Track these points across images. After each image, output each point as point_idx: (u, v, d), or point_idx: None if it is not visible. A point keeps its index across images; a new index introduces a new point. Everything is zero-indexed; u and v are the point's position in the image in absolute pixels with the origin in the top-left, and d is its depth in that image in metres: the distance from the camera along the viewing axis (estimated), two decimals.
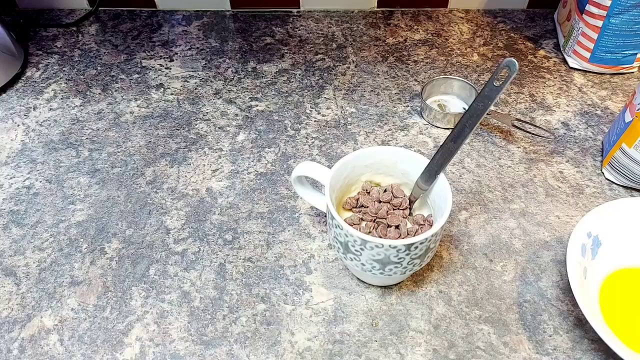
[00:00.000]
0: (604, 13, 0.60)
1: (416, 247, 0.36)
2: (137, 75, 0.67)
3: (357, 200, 0.43)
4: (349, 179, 0.43)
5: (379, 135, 0.58)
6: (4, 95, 0.64)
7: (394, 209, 0.43)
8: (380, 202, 0.43)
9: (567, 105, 0.62)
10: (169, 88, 0.65)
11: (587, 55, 0.65)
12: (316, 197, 0.46)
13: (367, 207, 0.42)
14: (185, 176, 0.54)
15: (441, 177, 0.40)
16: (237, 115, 0.61)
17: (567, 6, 0.70)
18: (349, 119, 0.61)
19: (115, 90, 0.65)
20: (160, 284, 0.45)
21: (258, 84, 0.66)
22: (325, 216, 0.50)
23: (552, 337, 0.41)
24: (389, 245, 0.35)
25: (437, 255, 0.47)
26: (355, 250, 0.38)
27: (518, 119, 0.58)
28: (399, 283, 0.45)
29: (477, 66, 0.68)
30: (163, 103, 0.63)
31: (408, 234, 0.41)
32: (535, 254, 0.47)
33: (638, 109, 0.48)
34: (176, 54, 0.71)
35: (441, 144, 0.39)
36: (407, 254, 0.37)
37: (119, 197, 0.52)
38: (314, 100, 0.63)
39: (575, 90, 0.64)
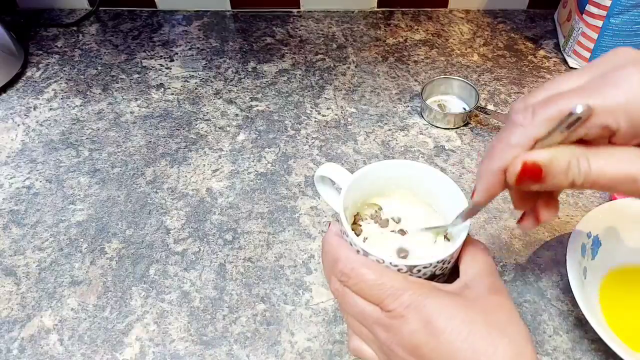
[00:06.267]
0: (604, 13, 0.60)
1: (419, 270, 0.33)
2: (137, 75, 0.67)
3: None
4: (370, 190, 0.40)
5: (379, 136, 0.58)
6: (4, 95, 0.64)
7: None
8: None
9: None
10: (169, 88, 0.65)
11: (587, 55, 0.65)
12: (334, 197, 0.43)
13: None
14: (185, 176, 0.54)
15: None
16: (237, 115, 0.61)
17: (567, 6, 0.70)
18: (349, 119, 0.61)
19: (116, 90, 0.65)
20: (160, 284, 0.45)
21: (258, 84, 0.66)
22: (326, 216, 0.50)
23: (552, 337, 0.41)
24: (390, 263, 0.33)
25: None
26: None
27: None
28: None
29: (478, 66, 0.68)
30: (163, 103, 0.63)
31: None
32: (535, 254, 0.47)
33: None
34: (176, 54, 0.71)
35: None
36: (410, 275, 0.33)
37: (119, 197, 0.52)
38: (314, 101, 0.63)
39: None
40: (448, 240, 0.37)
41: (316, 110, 0.62)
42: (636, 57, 0.26)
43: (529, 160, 0.26)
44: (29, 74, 0.68)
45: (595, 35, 0.62)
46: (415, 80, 0.66)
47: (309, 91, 0.65)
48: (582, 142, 0.26)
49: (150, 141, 0.58)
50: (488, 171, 0.28)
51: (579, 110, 0.24)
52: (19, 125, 0.61)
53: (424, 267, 0.33)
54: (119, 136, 0.59)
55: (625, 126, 0.25)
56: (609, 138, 0.26)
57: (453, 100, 0.63)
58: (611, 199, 0.51)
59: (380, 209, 0.39)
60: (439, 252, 0.35)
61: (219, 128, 0.60)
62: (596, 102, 0.25)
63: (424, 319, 0.28)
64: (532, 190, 0.28)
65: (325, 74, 0.67)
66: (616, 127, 0.25)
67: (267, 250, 0.48)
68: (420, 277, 0.33)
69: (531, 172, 0.26)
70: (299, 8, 0.78)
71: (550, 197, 0.31)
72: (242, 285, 0.45)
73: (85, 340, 0.42)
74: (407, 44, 0.72)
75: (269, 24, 0.76)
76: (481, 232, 0.49)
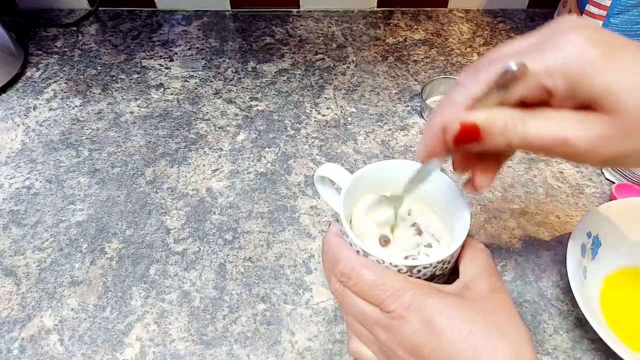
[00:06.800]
0: (604, 13, 0.60)
1: (419, 271, 0.33)
2: (137, 75, 0.67)
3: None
4: (369, 190, 0.40)
5: (378, 135, 0.58)
6: (4, 95, 0.64)
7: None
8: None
9: None
10: (169, 88, 0.65)
11: None
12: (334, 198, 0.43)
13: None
14: (185, 176, 0.54)
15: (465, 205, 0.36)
16: (237, 115, 0.61)
17: (567, 6, 0.69)
18: (349, 119, 0.61)
19: (115, 90, 0.65)
20: (160, 284, 0.45)
21: (258, 84, 0.66)
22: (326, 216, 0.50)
23: (552, 337, 0.41)
24: (390, 263, 0.33)
25: None
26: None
27: None
28: None
29: None
30: (163, 103, 0.63)
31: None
32: (535, 254, 0.47)
33: None
34: (176, 53, 0.71)
35: None
36: (410, 275, 0.33)
37: (119, 197, 0.52)
38: (314, 100, 0.63)
39: None
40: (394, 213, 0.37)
41: (316, 110, 0.62)
42: (577, 23, 0.26)
43: (466, 120, 0.26)
44: (28, 74, 0.68)
45: None
46: (415, 80, 0.66)
47: (308, 91, 0.65)
48: (523, 106, 0.27)
49: (150, 141, 0.58)
50: (429, 130, 0.29)
51: (513, 67, 0.25)
52: (18, 125, 0.60)
53: (424, 268, 0.33)
54: (118, 136, 0.59)
55: (562, 87, 0.25)
56: (547, 101, 0.26)
57: None
58: (611, 199, 0.51)
59: None
60: (440, 252, 0.35)
61: (219, 128, 0.60)
62: (534, 62, 0.25)
63: (424, 319, 0.28)
64: (472, 153, 0.29)
65: (325, 74, 0.67)
66: (553, 87, 0.25)
67: (267, 250, 0.48)
68: (420, 277, 0.33)
69: (469, 132, 0.26)
70: (299, 8, 0.78)
71: (488, 164, 0.31)
72: (242, 285, 0.45)
73: (86, 340, 0.42)
74: (406, 43, 0.72)
75: (268, 24, 0.76)
76: (481, 232, 0.49)
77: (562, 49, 0.25)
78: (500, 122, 0.26)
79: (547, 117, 0.26)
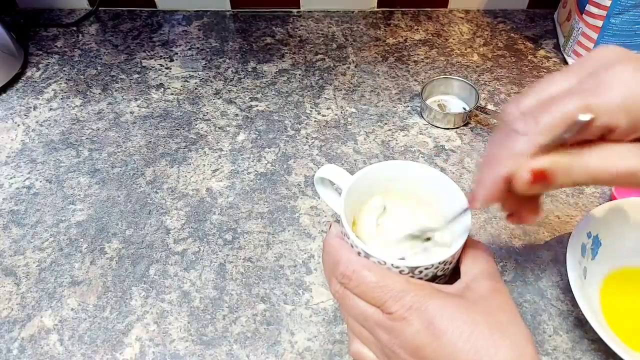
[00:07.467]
0: (604, 13, 0.60)
1: (420, 272, 0.33)
2: (137, 75, 0.67)
3: None
4: (370, 191, 0.39)
5: (379, 136, 0.58)
6: (4, 95, 0.64)
7: None
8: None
9: None
10: (169, 88, 0.65)
11: None
12: (334, 199, 0.44)
13: None
14: (185, 176, 0.54)
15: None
16: (237, 115, 0.61)
17: (567, 6, 0.70)
18: (349, 119, 0.61)
19: (115, 90, 0.65)
20: (160, 284, 0.45)
21: (258, 84, 0.66)
22: (326, 216, 0.50)
23: (552, 337, 0.41)
24: (392, 264, 0.32)
25: None
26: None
27: None
28: None
29: (477, 66, 0.68)
30: (163, 103, 0.63)
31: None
32: (535, 254, 0.47)
33: None
34: (176, 54, 0.71)
35: None
36: (411, 276, 0.33)
37: (119, 197, 0.52)
38: (314, 100, 0.63)
39: None
40: (427, 240, 0.37)
41: (316, 110, 0.62)
42: (621, 55, 0.27)
43: (535, 167, 0.27)
44: (28, 74, 0.68)
45: (595, 35, 0.62)
46: (415, 80, 0.66)
47: (308, 91, 0.65)
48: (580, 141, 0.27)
49: (150, 141, 0.58)
50: (491, 179, 0.29)
51: (584, 119, 0.25)
52: (19, 125, 0.60)
53: (426, 269, 0.32)
54: (119, 136, 0.59)
55: (625, 124, 0.25)
56: (604, 135, 0.26)
57: (453, 100, 0.63)
58: (611, 199, 0.51)
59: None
60: (442, 253, 0.35)
61: (219, 128, 0.60)
62: (597, 105, 0.25)
63: (426, 321, 0.28)
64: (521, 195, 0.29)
65: (325, 74, 0.67)
66: (616, 126, 0.25)
67: (267, 250, 0.48)
68: (422, 278, 0.33)
69: (539, 179, 0.27)
70: (299, 8, 0.78)
71: (534, 200, 0.32)
72: (242, 285, 0.45)
73: (85, 340, 0.42)
74: (407, 44, 0.72)
75: (268, 24, 0.76)
76: (481, 232, 0.49)
77: (617, 86, 0.25)
78: (565, 163, 0.27)
79: (609, 153, 0.26)
